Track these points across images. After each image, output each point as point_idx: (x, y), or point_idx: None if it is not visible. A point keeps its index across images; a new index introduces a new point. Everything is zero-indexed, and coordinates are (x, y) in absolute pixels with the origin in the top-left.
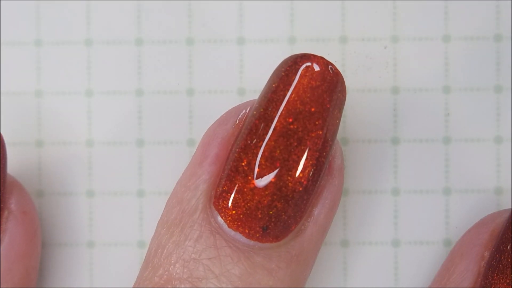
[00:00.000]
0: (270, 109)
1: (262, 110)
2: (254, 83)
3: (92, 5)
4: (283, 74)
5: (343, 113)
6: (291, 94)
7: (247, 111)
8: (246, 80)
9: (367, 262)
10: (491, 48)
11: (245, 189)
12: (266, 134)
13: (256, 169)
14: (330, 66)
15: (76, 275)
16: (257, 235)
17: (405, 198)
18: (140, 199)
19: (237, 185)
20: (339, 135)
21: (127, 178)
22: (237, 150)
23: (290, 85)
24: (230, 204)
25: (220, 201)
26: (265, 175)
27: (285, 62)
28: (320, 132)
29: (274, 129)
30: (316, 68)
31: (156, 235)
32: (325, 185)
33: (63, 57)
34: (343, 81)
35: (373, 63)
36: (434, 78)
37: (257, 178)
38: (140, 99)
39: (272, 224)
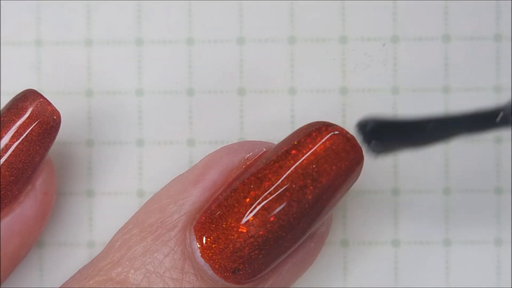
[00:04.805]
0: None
1: (273, 162)
2: (254, 83)
3: (92, 5)
4: (313, 134)
5: (343, 112)
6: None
7: (261, 152)
8: (246, 80)
9: (367, 262)
10: (491, 48)
11: (234, 228)
12: (271, 187)
13: (250, 216)
14: (349, 135)
15: None
16: (226, 274)
17: (405, 198)
18: (140, 199)
19: (226, 221)
20: None
21: (127, 178)
22: (238, 185)
23: (311, 147)
24: (211, 236)
25: (202, 229)
26: (257, 224)
27: (313, 125)
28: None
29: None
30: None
31: (125, 230)
32: (303, 247)
33: (63, 57)
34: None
35: (372, 60)
36: (434, 78)
37: (248, 224)
38: (140, 99)
39: (242, 268)
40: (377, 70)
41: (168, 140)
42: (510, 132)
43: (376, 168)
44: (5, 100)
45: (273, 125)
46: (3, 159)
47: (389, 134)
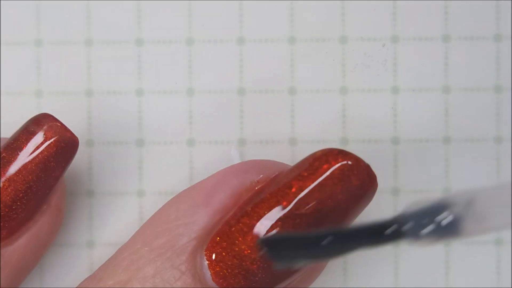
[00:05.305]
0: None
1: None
2: (254, 83)
3: (92, 5)
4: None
5: (343, 112)
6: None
7: (273, 175)
8: (246, 80)
9: (367, 262)
10: (491, 48)
11: (245, 252)
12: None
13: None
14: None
15: (76, 275)
16: None
17: (405, 198)
18: (140, 199)
19: (238, 246)
20: (339, 134)
21: (127, 178)
22: (249, 210)
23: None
24: (223, 260)
25: (214, 253)
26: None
27: (326, 152)
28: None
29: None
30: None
31: (133, 249)
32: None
33: (63, 57)
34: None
35: (372, 61)
36: (434, 78)
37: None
38: (140, 99)
39: None
40: (377, 70)
41: (168, 140)
42: (510, 132)
43: (376, 168)
44: (5, 100)
45: (273, 125)
46: (18, 181)
47: (287, 249)
